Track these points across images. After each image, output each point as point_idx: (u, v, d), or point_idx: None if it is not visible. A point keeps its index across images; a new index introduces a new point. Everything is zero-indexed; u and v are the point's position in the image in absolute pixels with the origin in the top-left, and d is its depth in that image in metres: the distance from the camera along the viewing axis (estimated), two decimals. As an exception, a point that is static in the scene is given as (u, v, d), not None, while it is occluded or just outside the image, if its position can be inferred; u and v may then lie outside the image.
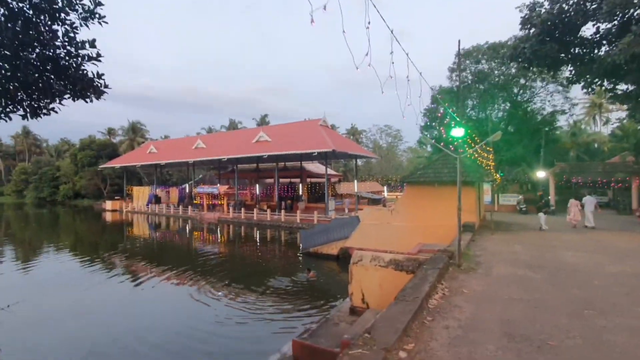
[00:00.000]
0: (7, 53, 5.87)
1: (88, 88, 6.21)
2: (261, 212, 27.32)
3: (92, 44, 5.75)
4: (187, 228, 27.27)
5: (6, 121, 5.89)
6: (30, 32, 5.92)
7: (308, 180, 36.14)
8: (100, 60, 6.08)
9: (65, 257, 16.98)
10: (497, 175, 16.74)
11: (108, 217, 36.69)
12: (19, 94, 6.07)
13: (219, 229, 26.24)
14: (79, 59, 5.93)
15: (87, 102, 6.69)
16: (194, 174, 40.97)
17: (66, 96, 6.28)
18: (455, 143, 7.58)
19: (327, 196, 25.39)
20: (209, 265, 15.12)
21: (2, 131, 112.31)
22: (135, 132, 57.90)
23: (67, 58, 6.05)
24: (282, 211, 25.80)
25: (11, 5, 5.97)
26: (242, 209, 28.23)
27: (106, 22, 6.91)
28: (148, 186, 40.46)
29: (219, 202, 31.24)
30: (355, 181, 29.37)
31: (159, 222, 31.34)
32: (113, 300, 10.64)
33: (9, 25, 5.91)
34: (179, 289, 11.71)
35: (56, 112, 6.50)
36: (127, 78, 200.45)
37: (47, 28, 6.07)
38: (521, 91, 28.17)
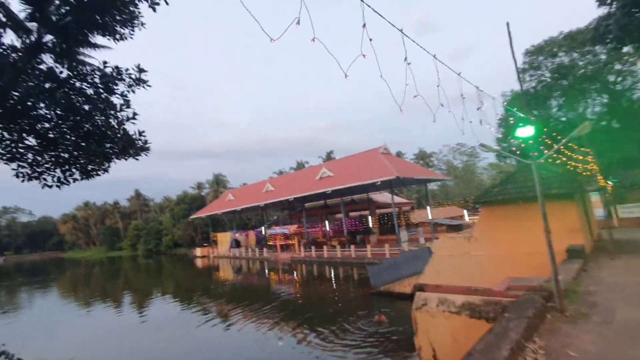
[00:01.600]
0: (73, 125, 6.71)
1: (131, 147, 6.73)
2: (331, 250, 26.68)
3: (128, 104, 6.29)
4: (265, 269, 28.00)
5: (68, 184, 6.63)
6: (88, 105, 6.73)
7: (377, 211, 34.66)
8: (135, 119, 6.59)
9: (169, 302, 18.96)
10: (606, 182, 13.41)
11: (199, 263, 40.24)
12: (80, 160, 6.84)
13: (292, 268, 26.32)
14: (120, 121, 6.52)
15: (136, 159, 7.27)
16: (266, 216, 42.95)
17: (114, 157, 6.90)
18: (525, 145, 6.07)
19: (397, 227, 23.64)
20: (283, 307, 14.92)
21: (120, 195, 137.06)
22: (218, 184, 64.49)
23: (111, 124, 6.70)
24: (352, 246, 24.76)
25: (76, 85, 6.93)
26: (313, 248, 28.01)
27: (149, 85, 7.65)
28: (229, 232, 43.63)
29: (291, 242, 31.69)
30: (428, 207, 26.98)
31: (240, 265, 32.94)
32: (207, 342, 11.25)
33: (76, 101, 6.81)
34: (260, 332, 11.71)
35: (107, 172, 7.15)
36: (212, 137, 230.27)
37: (102, 99, 6.87)
38: (619, 78, 23.28)
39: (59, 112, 6.82)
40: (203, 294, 20.43)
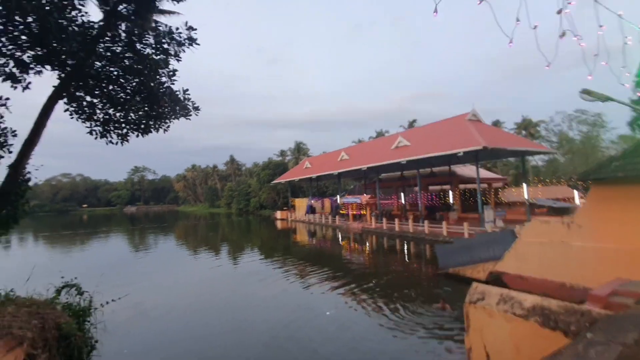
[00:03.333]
0: (137, 86, 7.10)
1: (182, 108, 6.84)
2: (402, 223, 25.33)
3: (167, 63, 6.29)
4: (337, 237, 28.47)
5: (127, 141, 7.17)
6: (149, 65, 6.97)
7: (461, 186, 31.25)
8: (175, 75, 6.60)
9: (256, 257, 21.12)
10: None
11: (278, 224, 43.45)
12: (143, 120, 7.27)
13: (363, 238, 26.07)
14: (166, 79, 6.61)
15: (187, 119, 7.44)
16: (341, 185, 43.03)
17: (168, 118, 7.13)
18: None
19: (480, 204, 20.82)
20: (353, 274, 14.90)
21: (218, 160, 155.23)
22: (299, 151, 67.07)
23: (164, 83, 6.85)
24: (426, 222, 22.98)
25: (136, 46, 7.22)
26: (384, 219, 27.04)
27: (198, 44, 7.58)
28: (306, 198, 45.41)
29: (363, 212, 31.23)
30: (525, 184, 22.90)
31: (315, 230, 34.24)
32: (288, 297, 12.05)
33: (136, 63, 7.13)
34: (331, 295, 11.97)
35: (165, 130, 7.47)
36: (297, 107, 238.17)
37: (156, 59, 7.05)
38: None
39: (125, 75, 7.33)
40: (284, 253, 22.19)
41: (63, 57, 6.87)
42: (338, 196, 40.83)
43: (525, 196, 22.34)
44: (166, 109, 6.63)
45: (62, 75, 6.93)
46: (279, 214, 49.00)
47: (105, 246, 29.18)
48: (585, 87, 3.99)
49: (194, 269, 17.76)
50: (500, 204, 30.35)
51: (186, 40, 7.46)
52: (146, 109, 6.70)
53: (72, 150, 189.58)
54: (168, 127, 7.66)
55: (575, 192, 28.65)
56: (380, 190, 38.57)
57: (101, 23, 7.72)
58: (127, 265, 19.38)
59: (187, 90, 6.76)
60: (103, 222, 62.05)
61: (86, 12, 7.47)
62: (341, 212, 35.38)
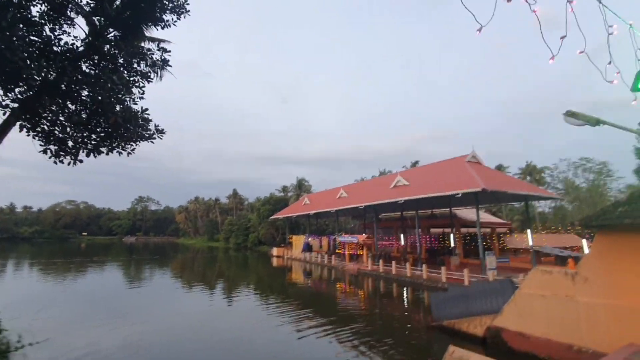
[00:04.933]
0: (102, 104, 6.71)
1: (138, 128, 6.38)
2: (400, 267, 23.92)
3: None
4: (332, 278, 26.91)
5: (81, 161, 6.66)
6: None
7: (463, 230, 30.02)
8: (143, 98, 6.23)
9: (251, 295, 20.27)
10: None
11: (274, 261, 41.74)
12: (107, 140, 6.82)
13: (358, 281, 24.54)
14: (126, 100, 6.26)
15: (151, 142, 6.97)
16: (338, 223, 41.93)
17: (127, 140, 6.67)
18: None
19: (481, 249, 19.59)
20: (347, 321, 13.61)
21: (218, 193, 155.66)
22: (301, 188, 66.69)
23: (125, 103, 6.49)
24: (424, 266, 21.61)
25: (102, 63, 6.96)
26: (381, 261, 25.64)
27: (170, 66, 7.32)
28: (304, 235, 44.11)
29: (358, 253, 29.85)
30: (529, 231, 21.74)
31: (310, 270, 32.61)
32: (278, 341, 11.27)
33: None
34: (324, 343, 10.93)
35: (129, 153, 6.98)
36: (308, 145, 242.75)
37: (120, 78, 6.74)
38: None
39: (93, 95, 7.03)
40: (280, 293, 21.21)
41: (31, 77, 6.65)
42: (335, 235, 39.60)
43: (530, 243, 21.08)
44: (120, 129, 6.18)
45: (28, 94, 6.65)
46: (275, 251, 47.42)
47: (87, 277, 27.89)
48: (570, 109, 3.41)
49: (170, 307, 16.51)
50: (505, 250, 28.82)
51: (159, 62, 7.21)
52: (104, 128, 6.28)
53: (80, 178, 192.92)
54: (133, 149, 7.20)
55: (584, 241, 27.21)
56: (380, 230, 37.32)
57: (82, 46, 7.64)
58: (107, 300, 18.12)
59: (146, 109, 6.38)
60: (99, 251, 60.69)
61: (68, 34, 7.39)
62: (337, 251, 33.95)
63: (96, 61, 7.05)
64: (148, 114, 6.39)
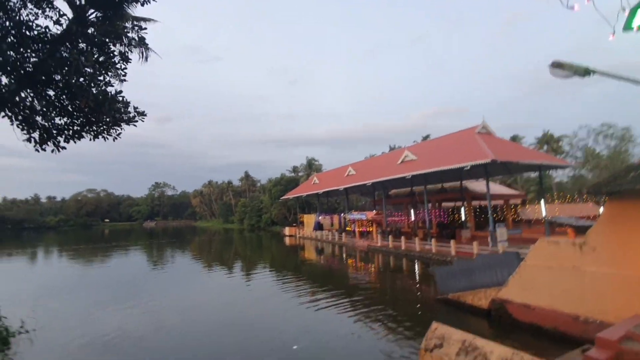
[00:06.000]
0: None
1: (113, 111, 6.22)
2: (409, 242, 23.79)
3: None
4: (343, 255, 27.19)
5: (64, 148, 6.59)
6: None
7: (475, 203, 29.41)
8: (124, 80, 6.06)
9: (266, 273, 20.67)
10: None
11: (287, 241, 42.48)
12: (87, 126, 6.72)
13: (368, 257, 24.69)
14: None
15: (133, 124, 6.83)
16: (348, 201, 41.84)
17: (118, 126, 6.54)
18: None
19: (491, 221, 19.15)
20: (356, 294, 13.96)
21: (231, 176, 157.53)
22: (311, 167, 66.56)
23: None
24: (433, 240, 21.40)
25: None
26: (390, 237, 25.58)
27: (147, 44, 7.03)
28: (314, 214, 44.39)
29: (368, 229, 29.83)
30: (542, 201, 21.02)
31: (322, 248, 32.99)
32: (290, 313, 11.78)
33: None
34: (336, 315, 11.29)
35: (114, 138, 6.88)
36: (317, 126, 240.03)
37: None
38: None
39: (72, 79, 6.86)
40: (293, 270, 21.64)
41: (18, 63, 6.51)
42: (345, 213, 39.65)
43: (543, 213, 20.45)
44: (94, 113, 6.02)
45: (12, 82, 6.54)
46: (287, 231, 48.08)
47: (113, 261, 29.05)
48: (556, 60, 3.00)
49: (192, 287, 17.07)
50: (518, 222, 28.21)
51: (134, 41, 6.92)
52: (84, 113, 6.14)
53: (99, 167, 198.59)
54: (119, 134, 7.09)
55: (602, 209, 26.24)
56: (390, 206, 37.08)
57: (62, 29, 7.41)
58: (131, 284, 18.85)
59: (120, 91, 6.17)
60: (122, 236, 63.08)
61: (50, 17, 7.15)
62: (347, 229, 34.05)
63: (72, 44, 6.81)
64: (123, 96, 6.18)
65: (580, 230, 19.50)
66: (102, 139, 7.03)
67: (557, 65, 3.09)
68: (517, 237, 20.15)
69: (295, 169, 73.92)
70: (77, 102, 5.96)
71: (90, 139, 6.92)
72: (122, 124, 6.50)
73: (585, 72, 3.12)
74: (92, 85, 6.03)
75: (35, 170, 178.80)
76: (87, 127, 6.36)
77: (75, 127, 6.44)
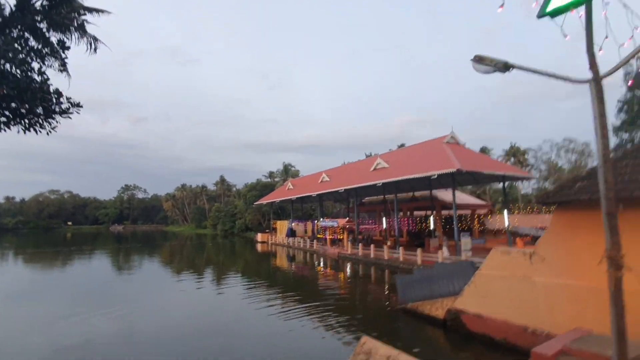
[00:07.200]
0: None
1: (37, 100, 5.63)
2: (378, 250, 23.74)
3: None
4: (314, 262, 26.71)
5: (5, 131, 5.90)
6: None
7: (444, 212, 29.93)
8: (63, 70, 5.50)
9: (238, 281, 19.76)
10: None
11: (259, 247, 41.44)
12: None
13: (338, 265, 24.38)
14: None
15: (67, 117, 6.24)
16: (321, 207, 41.61)
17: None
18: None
19: (456, 231, 19.41)
20: (321, 301, 13.65)
21: (208, 180, 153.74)
22: (287, 173, 65.95)
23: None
24: (401, 249, 21.43)
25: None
26: (360, 245, 25.45)
27: (85, 32, 6.47)
28: (287, 220, 43.74)
29: (338, 237, 29.61)
30: (505, 211, 21.62)
31: (294, 255, 32.36)
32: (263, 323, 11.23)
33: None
34: (302, 321, 11.08)
35: (48, 131, 6.27)
36: (298, 131, 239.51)
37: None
38: None
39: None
40: (267, 278, 20.91)
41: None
42: (318, 220, 39.33)
43: (505, 223, 20.99)
44: (14, 102, 5.38)
45: None
46: (259, 237, 47.07)
47: (73, 267, 27.09)
48: (478, 54, 2.88)
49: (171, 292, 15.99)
50: (484, 232, 28.92)
51: (75, 29, 6.35)
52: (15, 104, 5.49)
53: (64, 167, 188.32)
54: (54, 128, 6.44)
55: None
56: (365, 214, 37.12)
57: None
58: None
59: (46, 79, 5.57)
60: (85, 241, 59.45)
61: None
62: (319, 236, 33.69)
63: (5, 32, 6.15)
64: (50, 84, 5.58)
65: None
66: (34, 132, 6.36)
67: (478, 60, 2.95)
68: (481, 247, 20.54)
69: (271, 175, 73.09)
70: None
71: (21, 131, 6.23)
72: (55, 115, 5.86)
73: (505, 66, 3.01)
74: (16, 72, 5.39)
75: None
76: (16, 119, 5.67)
77: (3, 119, 5.73)
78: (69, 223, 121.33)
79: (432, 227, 27.29)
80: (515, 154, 50.43)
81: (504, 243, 21.90)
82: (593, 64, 2.87)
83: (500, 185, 42.47)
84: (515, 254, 8.34)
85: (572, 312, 7.03)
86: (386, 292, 15.94)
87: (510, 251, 8.50)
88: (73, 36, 7.10)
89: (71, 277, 21.50)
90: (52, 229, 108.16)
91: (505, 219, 21.03)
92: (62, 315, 12.05)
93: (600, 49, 2.90)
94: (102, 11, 10.02)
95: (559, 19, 2.80)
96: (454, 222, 19.97)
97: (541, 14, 2.84)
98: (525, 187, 54.89)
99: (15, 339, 9.85)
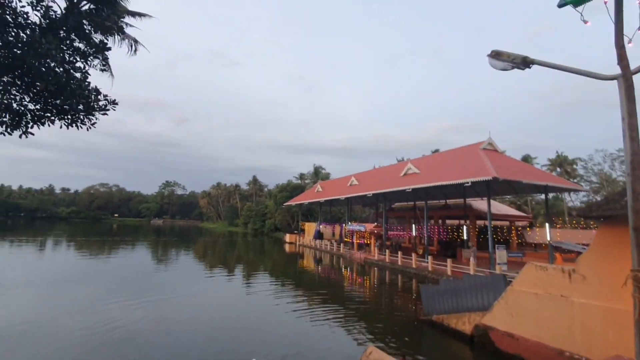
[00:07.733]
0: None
1: (76, 96, 6.11)
2: (406, 257, 23.09)
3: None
4: (340, 266, 26.54)
5: (39, 127, 6.48)
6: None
7: (479, 222, 28.49)
8: (105, 70, 5.95)
9: (266, 280, 19.94)
10: None
11: (287, 248, 42.00)
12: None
13: (364, 270, 24.03)
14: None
15: (104, 114, 6.72)
16: (349, 210, 41.26)
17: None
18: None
19: (491, 242, 18.36)
20: (346, 308, 13.59)
21: (241, 179, 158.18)
22: (317, 175, 66.30)
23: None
24: (430, 258, 20.68)
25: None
26: (387, 251, 24.90)
27: (119, 33, 6.93)
28: (315, 222, 43.91)
29: (366, 242, 29.17)
30: (547, 225, 20.10)
31: (320, 257, 32.41)
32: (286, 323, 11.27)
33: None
34: (322, 323, 11.19)
35: (88, 128, 6.78)
36: (332, 134, 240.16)
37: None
38: None
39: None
40: (292, 279, 21.07)
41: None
42: (346, 223, 39.02)
43: (548, 237, 19.54)
44: (54, 98, 5.90)
45: None
46: (287, 237, 47.67)
47: (118, 256, 29.21)
48: (495, 49, 2.68)
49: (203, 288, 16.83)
50: (523, 245, 27.13)
51: (114, 29, 6.85)
52: (60, 100, 6.05)
53: (114, 163, 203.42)
54: (94, 124, 6.98)
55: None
56: (394, 219, 36.31)
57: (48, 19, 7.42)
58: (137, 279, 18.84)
59: (85, 78, 6.05)
60: (130, 232, 63.72)
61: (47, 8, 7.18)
62: (346, 239, 33.44)
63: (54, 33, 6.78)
64: (89, 82, 6.06)
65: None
66: (76, 127, 6.93)
67: (495, 55, 2.77)
68: (519, 261, 19.26)
69: (302, 176, 73.86)
70: (37, 85, 5.86)
71: (63, 127, 6.81)
72: (94, 112, 6.37)
73: (523, 61, 2.77)
74: (57, 69, 5.92)
75: (53, 162, 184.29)
76: (59, 115, 6.24)
77: (44, 113, 6.33)
78: (116, 215, 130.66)
79: (465, 237, 26.05)
80: (561, 163, 46.90)
81: (545, 258, 20.41)
82: (622, 58, 2.59)
83: (543, 196, 39.74)
84: (552, 271, 7.73)
85: (613, 337, 6.39)
86: (411, 302, 15.45)
87: (547, 267, 7.89)
88: (115, 38, 7.56)
89: (115, 266, 23.05)
90: (101, 219, 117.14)
91: (547, 233, 19.56)
92: (103, 300, 12.96)
93: (629, 41, 2.61)
94: (145, 15, 10.72)
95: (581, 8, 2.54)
96: (489, 233, 18.91)
97: (562, 3, 2.61)
98: (574, 200, 50.85)
99: (58, 320, 10.74)
